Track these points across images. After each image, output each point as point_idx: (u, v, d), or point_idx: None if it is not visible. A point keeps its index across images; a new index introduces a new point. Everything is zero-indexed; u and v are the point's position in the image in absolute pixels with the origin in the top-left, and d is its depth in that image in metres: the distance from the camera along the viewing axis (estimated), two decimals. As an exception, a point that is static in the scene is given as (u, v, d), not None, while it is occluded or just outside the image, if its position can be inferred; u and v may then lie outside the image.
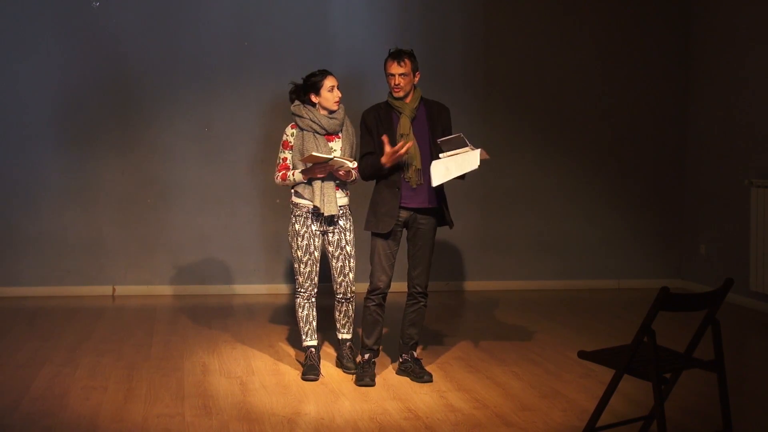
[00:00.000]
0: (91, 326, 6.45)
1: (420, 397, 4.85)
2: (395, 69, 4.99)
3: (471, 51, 7.91)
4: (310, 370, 5.18)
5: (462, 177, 4.94)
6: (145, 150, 7.55)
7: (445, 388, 5.01)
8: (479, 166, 4.84)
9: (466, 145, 4.88)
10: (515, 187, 8.03)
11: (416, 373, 5.15)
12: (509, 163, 8.00)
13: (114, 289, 7.58)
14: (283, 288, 7.73)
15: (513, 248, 8.05)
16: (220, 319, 6.74)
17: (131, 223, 7.56)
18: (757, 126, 7.27)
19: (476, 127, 7.90)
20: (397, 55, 5.01)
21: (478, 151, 4.83)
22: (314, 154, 5.01)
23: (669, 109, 8.18)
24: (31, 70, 7.38)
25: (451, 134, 5.04)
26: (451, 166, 4.85)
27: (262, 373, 5.29)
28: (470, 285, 7.98)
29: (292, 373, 5.28)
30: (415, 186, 5.01)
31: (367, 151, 5.07)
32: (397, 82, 5.00)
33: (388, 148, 4.90)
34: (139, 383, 5.04)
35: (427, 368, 5.25)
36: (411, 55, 5.04)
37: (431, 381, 5.11)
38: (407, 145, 4.91)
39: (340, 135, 5.23)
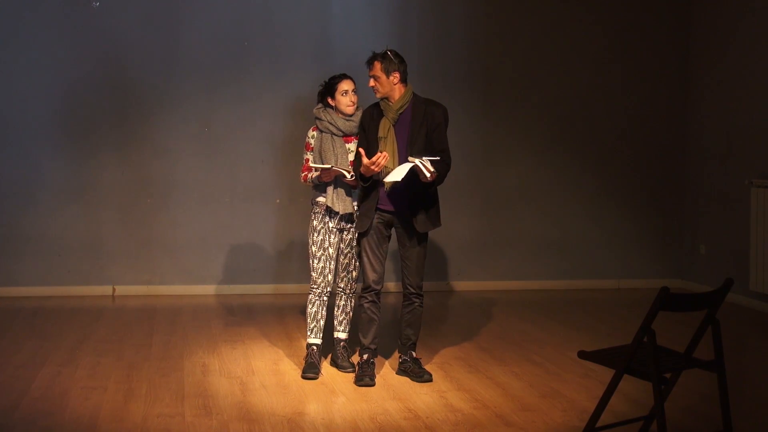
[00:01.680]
0: (91, 326, 6.45)
1: (420, 397, 4.86)
2: (369, 72, 5.08)
3: (471, 50, 7.91)
4: (310, 368, 5.20)
5: (426, 187, 4.95)
6: (145, 150, 7.55)
7: (445, 388, 5.01)
8: (434, 179, 4.90)
9: (422, 158, 4.87)
10: (515, 187, 8.03)
11: (416, 372, 5.16)
12: (509, 163, 8.00)
13: (114, 289, 7.58)
14: (283, 288, 7.73)
15: (513, 248, 8.05)
16: (220, 319, 6.74)
17: (131, 223, 7.56)
18: (758, 126, 7.27)
19: (476, 125, 7.90)
20: (367, 60, 5.11)
21: (407, 166, 4.81)
22: (311, 164, 5.20)
23: (669, 108, 8.18)
24: (30, 69, 7.37)
25: (441, 133, 5.07)
26: (398, 171, 4.87)
27: (262, 373, 5.29)
28: (470, 285, 7.97)
29: (292, 373, 5.28)
30: (387, 189, 5.03)
31: (358, 148, 5.13)
32: (370, 84, 5.10)
33: (365, 160, 4.95)
34: (139, 383, 5.04)
35: (427, 368, 5.25)
36: (382, 57, 5.06)
37: (431, 380, 5.12)
38: (383, 157, 4.90)
39: (358, 137, 5.26)
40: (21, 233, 7.43)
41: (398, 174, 4.84)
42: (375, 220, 5.11)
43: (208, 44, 7.57)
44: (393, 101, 5.08)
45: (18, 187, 7.42)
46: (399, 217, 5.12)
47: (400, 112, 5.07)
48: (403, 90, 5.09)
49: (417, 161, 4.82)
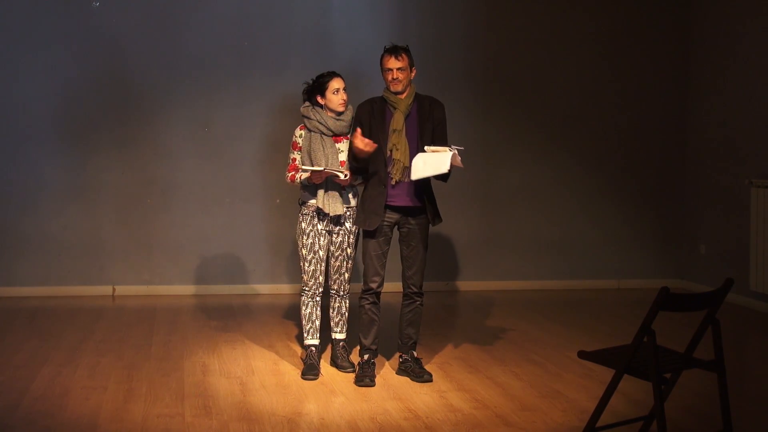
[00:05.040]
0: (91, 326, 6.45)
1: (420, 397, 4.86)
2: (393, 63, 5.04)
3: (471, 49, 7.91)
4: (310, 370, 5.19)
5: (444, 179, 4.96)
6: (145, 150, 7.55)
7: (445, 388, 5.01)
8: (451, 169, 4.87)
9: (446, 146, 4.90)
10: (515, 187, 8.03)
11: (416, 372, 5.16)
12: (509, 163, 8.00)
13: (114, 289, 7.58)
14: (283, 288, 7.73)
15: (513, 248, 8.05)
16: (220, 319, 6.74)
17: (131, 223, 7.56)
18: (758, 126, 7.27)
19: (476, 125, 7.90)
20: (394, 50, 5.06)
21: (449, 154, 4.83)
22: (302, 167, 5.15)
23: (670, 108, 8.18)
24: (30, 70, 7.38)
25: (444, 130, 5.12)
26: (429, 162, 4.87)
27: (262, 373, 5.29)
28: (470, 285, 7.97)
29: (292, 373, 5.28)
30: (395, 182, 5.02)
31: (355, 127, 5.10)
32: (395, 76, 5.03)
33: (359, 139, 4.91)
34: (139, 383, 5.05)
35: (427, 368, 5.25)
36: (407, 51, 5.09)
37: (431, 380, 5.12)
38: (367, 144, 4.91)
39: (348, 136, 5.24)
40: (21, 233, 7.43)
41: (440, 166, 4.81)
42: (383, 222, 5.09)
43: (208, 44, 7.57)
44: (404, 95, 5.08)
45: (18, 188, 7.42)
46: (408, 216, 5.11)
47: (410, 106, 5.07)
48: (410, 86, 5.11)
49: (454, 149, 4.85)
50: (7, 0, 7.33)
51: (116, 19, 7.44)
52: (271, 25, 7.64)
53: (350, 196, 5.27)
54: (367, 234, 5.12)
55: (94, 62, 7.44)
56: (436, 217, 5.19)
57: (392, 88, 5.06)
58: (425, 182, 5.09)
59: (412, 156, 5.02)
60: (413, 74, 5.11)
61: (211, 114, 7.61)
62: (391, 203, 5.08)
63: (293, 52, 7.64)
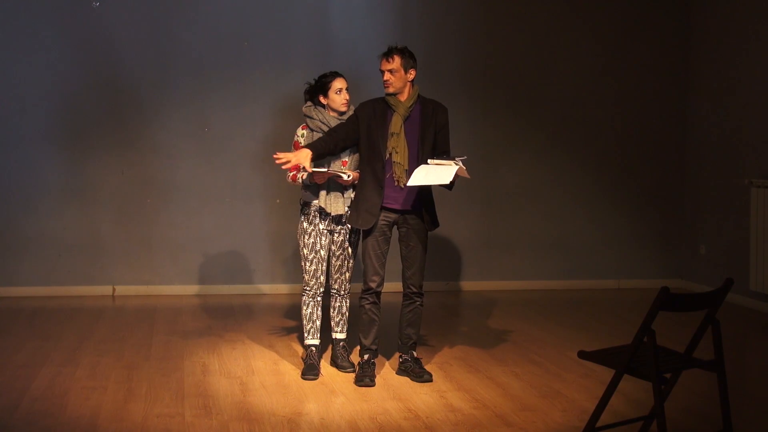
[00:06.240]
0: (91, 326, 6.45)
1: (420, 397, 4.86)
2: (384, 65, 5.04)
3: (471, 50, 7.91)
4: (310, 370, 5.20)
5: (449, 187, 4.93)
6: (145, 150, 7.55)
7: (445, 388, 5.01)
8: (455, 179, 4.85)
9: (452, 159, 4.90)
10: (515, 187, 8.03)
11: (416, 372, 5.16)
12: (509, 163, 8.00)
13: (114, 289, 7.58)
14: (283, 288, 7.73)
15: (513, 248, 8.05)
16: (220, 319, 6.74)
17: (131, 223, 7.56)
18: (757, 126, 7.27)
19: (476, 126, 7.90)
20: (386, 52, 5.06)
21: (454, 168, 4.82)
22: (305, 168, 5.10)
23: (669, 108, 8.18)
24: (30, 69, 7.38)
25: (446, 135, 5.12)
26: (431, 173, 4.86)
27: (262, 373, 5.29)
28: (470, 285, 7.97)
29: (292, 373, 5.28)
30: (402, 186, 5.02)
31: (338, 130, 5.07)
32: (385, 78, 5.03)
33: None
34: (139, 383, 5.05)
35: (427, 368, 5.25)
36: (402, 52, 5.05)
37: (431, 380, 5.12)
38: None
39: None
40: (21, 233, 7.43)
41: (443, 177, 4.79)
42: (380, 221, 5.10)
43: (208, 44, 7.57)
44: (403, 98, 5.07)
45: (18, 188, 7.42)
46: (407, 216, 5.11)
47: (410, 109, 5.06)
48: (411, 88, 5.10)
49: (459, 162, 4.84)
50: (6, 0, 7.33)
51: (116, 19, 7.44)
52: (271, 25, 7.64)
53: (352, 196, 5.26)
54: (366, 233, 5.12)
55: (94, 62, 7.44)
56: (433, 223, 5.18)
57: (385, 90, 5.07)
58: (425, 187, 5.08)
59: (411, 158, 5.02)
60: (410, 76, 5.07)
61: (210, 114, 7.61)
62: (388, 205, 5.08)
63: (293, 52, 7.64)
